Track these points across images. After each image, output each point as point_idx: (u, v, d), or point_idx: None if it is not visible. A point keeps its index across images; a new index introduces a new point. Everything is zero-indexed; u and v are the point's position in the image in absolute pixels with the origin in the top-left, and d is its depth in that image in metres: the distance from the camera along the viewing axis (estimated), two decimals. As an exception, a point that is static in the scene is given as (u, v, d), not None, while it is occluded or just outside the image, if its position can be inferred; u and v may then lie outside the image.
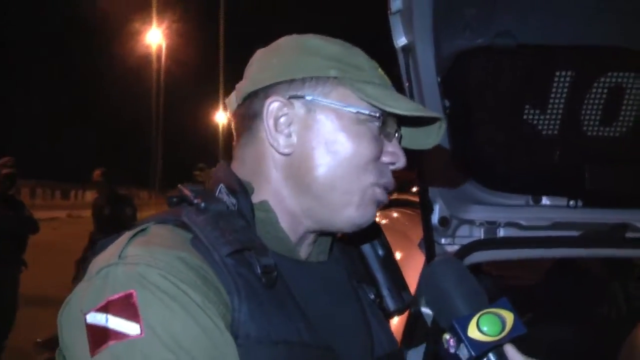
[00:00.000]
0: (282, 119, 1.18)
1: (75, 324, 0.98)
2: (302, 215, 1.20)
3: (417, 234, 2.58)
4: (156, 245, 1.02)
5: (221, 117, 55.66)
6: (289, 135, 1.18)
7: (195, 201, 1.12)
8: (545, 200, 2.63)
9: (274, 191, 1.20)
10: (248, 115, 1.22)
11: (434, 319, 1.19)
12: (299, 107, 1.18)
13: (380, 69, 1.25)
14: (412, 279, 1.66)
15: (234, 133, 1.28)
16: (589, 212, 2.59)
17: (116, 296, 0.95)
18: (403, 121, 1.25)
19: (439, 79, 2.19)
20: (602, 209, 2.58)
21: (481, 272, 3.00)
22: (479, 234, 2.61)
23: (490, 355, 1.05)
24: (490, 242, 2.53)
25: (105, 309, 0.95)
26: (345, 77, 1.17)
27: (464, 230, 2.61)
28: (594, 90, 2.35)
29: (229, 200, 1.15)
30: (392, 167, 1.22)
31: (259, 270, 1.05)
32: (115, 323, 0.93)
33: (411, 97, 2.16)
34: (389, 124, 1.21)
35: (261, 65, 1.25)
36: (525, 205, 2.63)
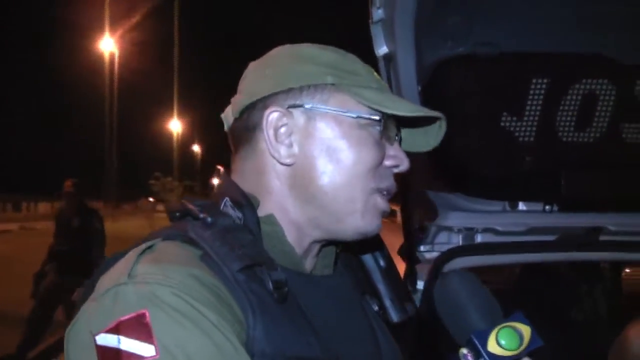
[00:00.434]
0: (282, 129, 1.16)
1: (84, 346, 0.95)
2: (307, 225, 1.19)
3: (394, 240, 2.59)
4: (167, 262, 1.00)
5: (175, 126, 55.30)
6: (290, 145, 1.16)
7: (202, 216, 1.10)
8: (521, 206, 2.67)
9: (277, 203, 1.18)
10: (247, 128, 1.20)
11: (446, 334, 1.18)
12: (298, 116, 1.16)
13: (376, 74, 1.24)
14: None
15: (232, 147, 1.26)
16: (564, 217, 2.63)
17: (127, 316, 0.92)
18: (401, 123, 1.24)
19: (419, 88, 2.21)
20: (577, 213, 2.63)
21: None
22: (457, 240, 2.63)
23: None
24: (470, 249, 2.55)
25: (116, 329, 0.91)
26: (342, 83, 1.16)
27: (442, 236, 2.64)
28: (569, 97, 2.39)
29: (235, 214, 1.13)
30: (395, 170, 1.21)
31: (270, 286, 1.04)
32: (128, 344, 0.90)
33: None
34: (390, 127, 1.20)
35: (256, 77, 1.23)
36: (502, 211, 2.67)
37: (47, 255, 6.98)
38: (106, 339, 0.91)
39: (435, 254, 2.58)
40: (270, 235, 1.16)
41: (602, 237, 2.65)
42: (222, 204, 1.15)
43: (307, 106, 1.16)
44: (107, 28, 35.29)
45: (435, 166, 2.47)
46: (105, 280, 1.01)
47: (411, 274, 2.52)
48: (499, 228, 2.61)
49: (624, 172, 2.57)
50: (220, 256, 1.02)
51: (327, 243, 1.24)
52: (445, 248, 2.56)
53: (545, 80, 2.34)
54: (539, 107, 2.39)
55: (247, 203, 1.15)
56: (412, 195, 2.47)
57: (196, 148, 77.99)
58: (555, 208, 2.63)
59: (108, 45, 35.62)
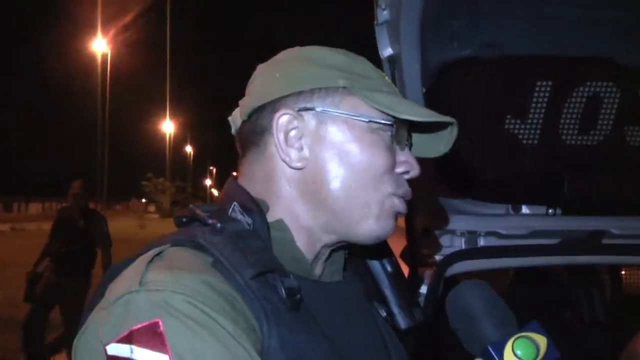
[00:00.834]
0: (293, 132, 1.14)
1: (93, 356, 0.92)
2: (319, 230, 1.16)
3: (397, 244, 2.57)
4: (179, 269, 0.97)
5: (168, 127, 55.26)
6: (300, 149, 1.14)
7: (210, 221, 1.07)
8: (524, 209, 2.66)
9: (287, 208, 1.16)
10: (255, 131, 1.18)
11: (456, 341, 1.16)
12: (309, 119, 1.14)
13: (387, 77, 1.22)
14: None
15: (240, 150, 1.24)
16: (567, 220, 2.62)
17: (140, 325, 0.89)
18: (412, 129, 1.21)
19: (423, 90, 2.20)
20: (581, 217, 2.62)
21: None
22: (460, 243, 2.62)
23: None
24: (473, 252, 2.54)
25: (128, 339, 0.88)
26: (354, 86, 1.14)
27: (445, 240, 2.62)
28: (573, 99, 2.38)
29: (244, 219, 1.10)
30: (406, 177, 1.19)
31: (283, 293, 1.01)
32: (141, 354, 0.87)
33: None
34: (401, 132, 1.17)
35: (265, 79, 1.20)
36: (505, 214, 2.66)
37: (41, 255, 6.90)
38: (118, 349, 0.89)
39: (438, 258, 2.57)
40: (280, 241, 1.14)
41: (605, 241, 2.64)
42: (231, 209, 1.12)
43: (318, 109, 1.13)
44: (99, 28, 35.21)
45: (438, 169, 2.46)
46: (115, 288, 0.98)
47: (414, 278, 2.50)
48: (502, 231, 2.60)
49: (628, 176, 2.56)
50: (232, 263, 1.00)
51: (337, 248, 1.22)
52: (448, 252, 2.54)
53: (549, 83, 2.33)
54: (542, 110, 2.38)
55: (256, 208, 1.12)
56: (414, 199, 2.45)
57: (188, 149, 78.02)
58: (559, 211, 2.62)
59: (100, 45, 35.52)
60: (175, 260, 1.00)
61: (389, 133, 1.15)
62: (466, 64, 2.21)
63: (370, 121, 1.13)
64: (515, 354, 1.01)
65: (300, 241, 1.16)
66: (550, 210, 2.63)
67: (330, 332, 1.09)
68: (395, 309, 1.36)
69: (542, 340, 1.04)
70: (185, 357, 0.87)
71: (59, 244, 6.79)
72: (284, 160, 1.14)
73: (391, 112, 1.12)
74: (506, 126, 2.41)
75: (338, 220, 1.15)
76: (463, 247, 2.61)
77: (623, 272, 3.78)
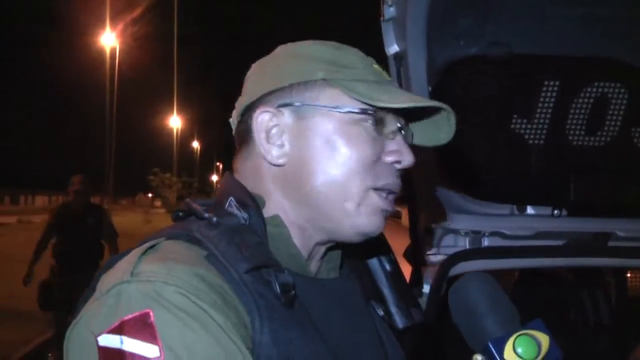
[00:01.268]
0: (274, 130, 1.13)
1: (85, 347, 0.91)
2: (307, 227, 1.15)
3: (400, 243, 2.56)
4: (172, 261, 0.96)
5: (175, 122, 55.34)
6: (282, 146, 1.13)
7: (207, 215, 1.07)
8: (529, 210, 2.64)
9: (278, 205, 1.15)
10: (246, 130, 1.18)
11: (457, 338, 1.15)
12: (288, 115, 1.13)
13: (376, 65, 1.19)
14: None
15: (237, 145, 1.23)
16: (572, 222, 2.60)
17: (131, 316, 0.88)
18: (412, 117, 1.19)
19: (429, 88, 2.18)
20: (586, 218, 2.59)
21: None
22: (464, 243, 2.60)
23: None
24: (477, 252, 2.52)
25: (119, 330, 0.88)
26: (334, 77, 1.12)
27: (449, 239, 2.61)
28: (580, 100, 2.36)
29: (241, 214, 1.09)
30: (398, 166, 1.15)
31: (277, 289, 1.00)
32: (132, 345, 0.87)
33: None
34: (388, 120, 1.14)
35: (256, 77, 1.20)
36: (509, 215, 2.64)
37: (38, 250, 6.72)
38: (108, 340, 0.88)
39: (441, 257, 2.55)
40: (276, 237, 1.13)
41: (611, 243, 2.62)
42: (227, 203, 1.12)
43: (296, 104, 1.12)
44: (107, 23, 35.26)
45: (443, 168, 2.44)
46: (107, 279, 0.97)
47: (417, 277, 2.49)
48: (507, 232, 2.58)
49: (634, 178, 2.54)
50: (227, 257, 0.99)
51: (332, 246, 1.21)
52: (451, 251, 2.53)
53: (556, 83, 2.31)
54: (549, 110, 2.36)
55: (252, 203, 1.12)
56: (418, 197, 2.44)
57: (195, 144, 78.14)
58: (564, 213, 2.60)
59: (108, 40, 35.59)
60: (168, 253, 1.00)
61: (370, 123, 1.12)
62: (473, 63, 2.19)
63: (348, 112, 1.11)
64: (515, 352, 1.00)
65: (295, 238, 1.15)
66: (555, 211, 2.61)
67: (325, 329, 1.08)
68: (393, 309, 1.35)
69: (544, 339, 1.02)
70: (175, 348, 0.87)
71: (68, 243, 6.60)
72: (265, 158, 1.14)
73: (369, 101, 1.09)
74: (512, 126, 2.39)
75: (322, 217, 1.14)
76: (467, 247, 2.59)
77: (628, 275, 3.76)
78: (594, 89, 2.35)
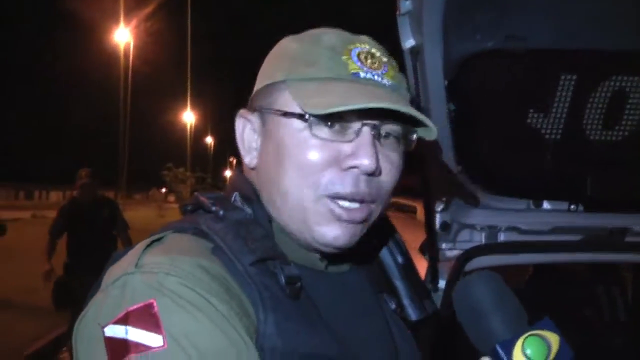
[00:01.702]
0: (246, 134, 1.16)
1: (92, 337, 0.93)
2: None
3: (414, 238, 2.55)
4: (175, 253, 0.98)
5: (189, 117, 55.44)
6: (253, 149, 1.16)
7: (214, 209, 1.09)
8: (546, 205, 2.63)
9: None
10: None
11: (465, 340, 1.12)
12: (256, 119, 1.15)
13: (351, 54, 1.11)
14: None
15: None
16: (589, 217, 2.58)
17: (135, 306, 0.91)
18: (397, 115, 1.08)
19: (445, 82, 2.17)
20: (603, 214, 2.58)
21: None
22: (480, 238, 2.59)
23: None
24: (493, 247, 2.51)
25: (124, 320, 0.90)
26: (290, 78, 1.10)
27: (465, 234, 2.60)
28: (597, 94, 2.33)
29: (245, 209, 1.12)
30: (355, 171, 1.07)
31: (283, 281, 1.01)
32: (136, 335, 0.89)
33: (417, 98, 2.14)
34: (348, 121, 1.07)
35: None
36: (525, 210, 2.63)
37: (67, 254, 6.63)
38: (114, 330, 0.90)
39: (457, 252, 2.54)
40: (282, 230, 1.14)
41: (628, 238, 2.60)
42: (232, 198, 1.14)
43: (261, 109, 1.14)
44: (121, 19, 35.35)
45: (458, 163, 2.43)
46: (113, 271, 1.00)
47: (433, 272, 2.48)
48: (523, 227, 2.57)
49: (652, 173, 2.51)
50: (232, 249, 1.01)
51: None
52: (467, 246, 2.52)
53: (573, 77, 2.29)
54: (566, 105, 2.34)
55: (256, 199, 1.13)
56: (434, 192, 2.43)
57: (209, 140, 78.28)
58: (580, 208, 2.58)
59: (122, 36, 35.67)
60: (173, 245, 1.02)
61: (317, 127, 1.07)
62: (489, 57, 2.16)
63: (284, 114, 1.09)
64: (524, 354, 0.96)
65: None
66: (572, 206, 2.59)
67: (332, 321, 1.09)
68: (406, 301, 1.35)
69: (554, 339, 0.99)
70: (178, 337, 0.88)
71: (81, 239, 6.54)
72: (244, 162, 1.17)
73: (301, 105, 1.06)
74: (529, 120, 2.37)
75: (291, 223, 1.12)
76: (483, 241, 2.58)
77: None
78: (612, 83, 2.32)
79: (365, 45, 1.14)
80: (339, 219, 1.09)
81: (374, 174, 1.08)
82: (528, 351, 0.96)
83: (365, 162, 1.05)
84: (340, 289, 1.20)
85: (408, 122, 1.11)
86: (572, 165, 2.50)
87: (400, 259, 1.39)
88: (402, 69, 2.08)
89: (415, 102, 1.99)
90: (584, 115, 2.38)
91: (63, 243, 6.73)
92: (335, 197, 1.08)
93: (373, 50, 1.14)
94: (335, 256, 1.19)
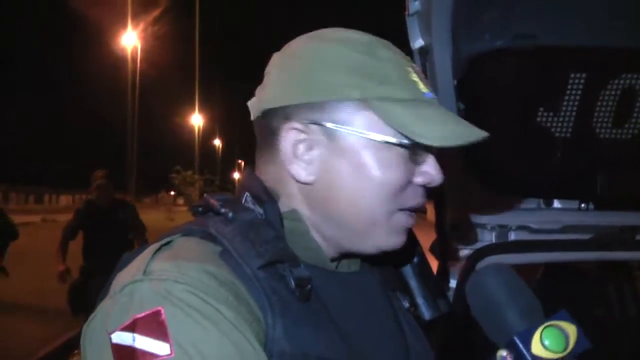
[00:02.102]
0: (301, 146, 1.11)
1: (99, 344, 0.93)
2: (329, 238, 1.15)
3: (426, 238, 2.55)
4: (183, 259, 0.98)
5: (196, 120, 55.52)
6: (309, 163, 1.11)
7: (223, 210, 1.08)
8: (556, 203, 2.62)
9: (300, 209, 1.15)
10: (268, 131, 1.15)
11: (480, 333, 1.12)
12: (319, 133, 1.10)
13: (410, 69, 1.13)
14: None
15: (257, 139, 1.22)
16: (600, 215, 2.58)
17: (143, 314, 0.90)
18: None
19: (455, 82, 2.17)
20: (613, 212, 2.57)
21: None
22: (491, 237, 2.59)
23: None
24: (503, 246, 2.51)
25: (131, 327, 0.90)
26: (368, 97, 1.07)
27: (475, 234, 2.60)
28: (608, 92, 2.33)
29: (257, 209, 1.10)
30: (427, 186, 1.15)
31: (292, 284, 1.01)
32: (143, 342, 0.89)
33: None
34: (419, 149, 1.11)
35: (279, 77, 1.15)
36: (536, 209, 2.62)
37: (63, 245, 6.58)
38: (121, 337, 0.90)
39: (468, 252, 2.54)
40: (294, 231, 1.13)
41: (639, 237, 2.60)
42: (243, 198, 1.13)
43: (328, 125, 1.09)
44: (129, 22, 35.43)
45: (469, 162, 2.43)
46: (122, 277, 1.00)
47: (443, 272, 2.48)
48: (533, 226, 2.57)
49: (663, 171, 2.51)
50: (240, 253, 1.00)
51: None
52: (478, 246, 2.52)
53: (583, 75, 2.28)
54: (576, 103, 2.33)
55: (268, 199, 1.12)
56: (444, 192, 2.43)
57: (217, 142, 78.41)
58: (591, 206, 2.58)
59: (130, 39, 35.76)
60: (181, 250, 1.01)
61: (406, 150, 1.09)
62: (498, 56, 2.16)
63: (384, 142, 1.08)
64: (543, 345, 0.97)
65: (314, 233, 1.15)
66: (582, 205, 2.58)
67: (342, 321, 1.09)
68: (420, 300, 1.35)
69: (571, 330, 1.00)
70: (185, 345, 0.88)
71: (98, 242, 6.45)
72: (291, 174, 1.12)
73: (407, 133, 1.06)
74: (538, 119, 2.36)
75: (345, 236, 1.13)
76: (494, 241, 2.58)
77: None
78: (622, 81, 2.32)
79: (403, 55, 1.16)
80: (407, 227, 1.15)
81: None
82: (546, 342, 0.97)
83: (438, 178, 1.14)
84: (351, 288, 1.20)
85: None
86: (583, 163, 2.50)
87: (414, 258, 1.39)
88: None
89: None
90: (594, 113, 2.38)
91: (80, 245, 6.69)
92: (407, 210, 1.13)
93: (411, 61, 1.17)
94: (347, 256, 1.21)
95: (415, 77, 1.13)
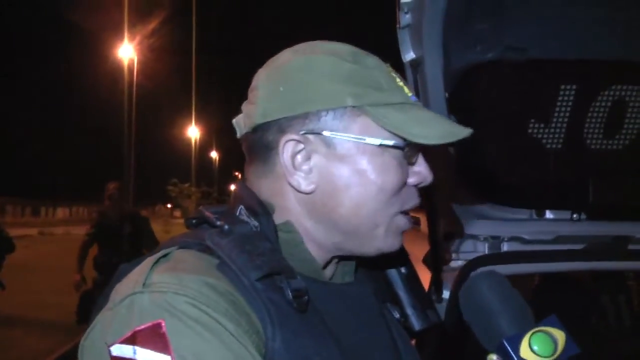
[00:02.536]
0: (299, 157, 1.11)
1: (98, 356, 0.93)
2: (327, 246, 1.16)
3: (419, 249, 2.56)
4: (182, 271, 0.98)
5: (193, 132, 55.51)
6: (309, 172, 1.11)
7: (219, 223, 1.08)
8: (548, 214, 2.64)
9: (297, 221, 1.15)
10: (262, 146, 1.15)
11: (472, 341, 1.14)
12: (317, 142, 1.11)
13: (394, 75, 1.16)
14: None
15: (246, 155, 1.21)
16: (592, 225, 2.59)
17: (143, 326, 0.90)
18: None
19: (446, 94, 2.18)
20: (606, 222, 2.58)
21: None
22: (484, 248, 2.60)
23: None
24: (496, 257, 2.52)
25: (132, 340, 0.90)
26: (363, 104, 1.09)
27: (468, 245, 2.60)
28: (598, 103, 2.35)
29: (251, 222, 1.10)
30: (419, 186, 1.17)
31: (290, 295, 1.01)
32: (144, 355, 0.88)
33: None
34: (413, 149, 1.14)
35: (269, 91, 1.15)
36: (528, 219, 2.63)
37: (94, 267, 6.60)
38: (121, 350, 0.90)
39: (461, 263, 2.55)
40: (289, 242, 1.13)
41: (631, 246, 2.60)
42: (237, 211, 1.13)
43: (325, 133, 1.10)
44: (125, 35, 35.46)
45: (461, 173, 2.44)
46: (120, 289, 0.99)
47: (437, 283, 2.49)
48: (526, 236, 2.57)
49: (654, 180, 2.52)
50: (238, 265, 1.00)
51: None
52: (471, 257, 2.52)
53: (573, 87, 2.30)
54: (567, 114, 2.35)
55: (263, 211, 1.12)
56: (437, 203, 2.44)
57: (214, 154, 78.26)
58: (583, 216, 2.59)
59: (126, 52, 35.77)
60: (180, 262, 1.01)
61: (400, 152, 1.12)
62: (489, 68, 2.19)
63: (380, 145, 1.10)
64: (532, 350, 0.99)
65: (311, 249, 1.15)
66: (574, 215, 2.59)
67: (339, 332, 1.09)
68: (409, 310, 1.35)
69: (560, 336, 1.02)
70: (187, 357, 0.88)
71: (108, 253, 6.46)
72: (291, 185, 1.13)
73: (403, 135, 1.09)
74: (530, 130, 2.39)
75: (347, 240, 1.15)
76: (486, 252, 2.59)
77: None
78: (612, 92, 2.34)
79: (385, 63, 1.18)
80: (404, 229, 1.17)
81: None
82: (535, 347, 0.99)
83: (429, 178, 1.16)
84: (346, 299, 1.21)
85: None
86: (574, 174, 2.52)
87: (403, 269, 1.39)
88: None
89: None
90: (584, 124, 2.40)
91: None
92: (405, 211, 1.15)
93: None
94: (342, 266, 1.23)
95: (400, 83, 1.16)
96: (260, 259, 1.01)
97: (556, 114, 2.35)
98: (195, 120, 54.97)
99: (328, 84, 1.10)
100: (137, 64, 38.02)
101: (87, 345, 0.97)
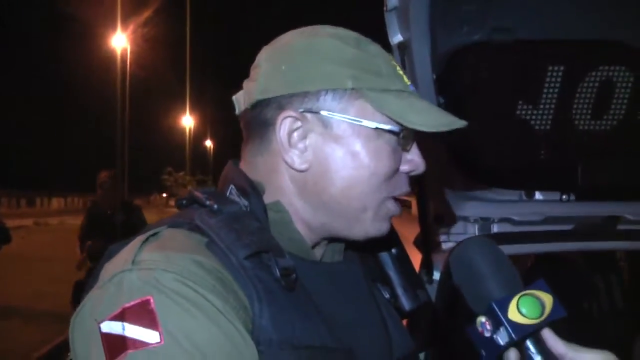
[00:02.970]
0: (296, 134, 1.12)
1: (89, 334, 0.94)
2: (316, 227, 1.17)
3: (410, 231, 2.57)
4: (171, 249, 0.99)
5: (188, 121, 55.40)
6: (304, 150, 1.13)
7: (208, 203, 1.09)
8: (538, 195, 2.65)
9: (288, 201, 1.16)
10: (260, 123, 1.17)
11: (461, 303, 1.16)
12: (314, 121, 1.12)
13: (394, 63, 1.18)
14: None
15: (244, 133, 1.23)
16: (581, 206, 2.61)
17: (132, 303, 0.91)
18: None
19: (434, 76, 2.19)
20: (594, 202, 2.60)
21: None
22: (474, 230, 2.61)
23: (528, 343, 1.03)
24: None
25: (121, 316, 0.91)
26: (362, 87, 1.11)
27: (458, 227, 2.62)
28: (586, 84, 2.36)
29: (241, 201, 1.12)
30: (412, 174, 1.18)
31: (277, 273, 1.02)
32: (133, 331, 0.90)
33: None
34: (408, 132, 1.15)
35: (271, 69, 1.16)
36: (518, 201, 2.65)
37: (88, 258, 6.38)
38: (111, 326, 0.91)
39: (451, 244, 2.56)
40: (278, 222, 1.15)
41: (620, 226, 2.62)
42: (228, 191, 1.15)
43: (323, 113, 1.11)
44: (118, 24, 35.29)
45: (451, 156, 2.45)
46: (110, 268, 1.01)
47: (427, 265, 2.50)
48: (516, 218, 2.59)
49: (642, 160, 2.54)
50: (227, 243, 1.01)
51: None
52: (461, 238, 2.54)
53: (561, 68, 2.31)
54: (555, 95, 2.36)
55: (252, 191, 1.14)
56: (427, 186, 2.45)
57: (208, 143, 78.17)
58: (572, 197, 2.60)
59: (120, 41, 35.62)
60: (169, 241, 1.03)
61: (395, 137, 1.13)
62: (477, 49, 2.19)
63: (377, 128, 1.11)
64: (520, 312, 1.01)
65: (298, 226, 1.17)
66: (564, 196, 2.61)
67: (328, 312, 1.10)
68: (399, 291, 1.37)
69: (547, 299, 1.03)
70: (174, 333, 0.89)
71: (102, 244, 6.12)
72: (286, 162, 1.14)
73: (400, 121, 1.10)
74: (518, 112, 2.39)
75: (335, 222, 1.16)
76: (476, 233, 2.60)
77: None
78: (599, 73, 2.35)
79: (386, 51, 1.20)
80: (393, 214, 1.19)
81: None
82: (523, 310, 1.01)
83: (422, 167, 1.17)
84: (334, 278, 1.22)
85: None
86: (563, 155, 2.53)
87: (393, 249, 1.41)
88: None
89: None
90: (572, 105, 2.41)
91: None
92: (395, 197, 1.17)
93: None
94: (332, 246, 1.24)
95: (400, 71, 1.17)
96: (248, 237, 1.02)
97: (544, 95, 2.36)
98: (189, 109, 54.91)
99: (330, 66, 1.11)
100: (131, 53, 37.86)
101: (78, 323, 0.98)
